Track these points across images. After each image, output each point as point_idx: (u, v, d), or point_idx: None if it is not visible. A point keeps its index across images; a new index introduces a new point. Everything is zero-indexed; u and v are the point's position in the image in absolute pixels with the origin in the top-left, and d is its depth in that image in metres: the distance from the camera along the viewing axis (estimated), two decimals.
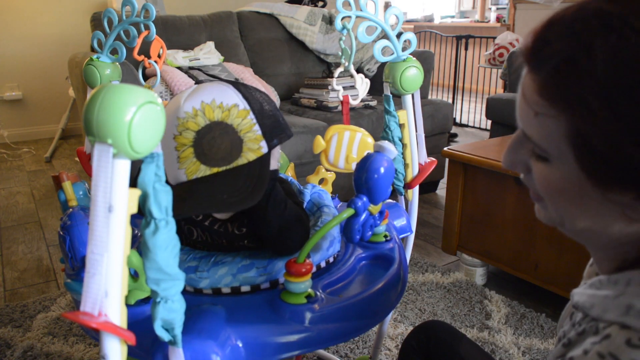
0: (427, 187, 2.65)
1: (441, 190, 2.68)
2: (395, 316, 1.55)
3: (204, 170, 0.69)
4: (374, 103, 2.38)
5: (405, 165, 0.99)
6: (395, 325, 1.51)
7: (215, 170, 0.70)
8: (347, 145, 0.97)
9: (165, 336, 0.54)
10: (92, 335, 0.69)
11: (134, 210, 0.44)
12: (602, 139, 0.40)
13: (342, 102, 1.06)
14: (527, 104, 0.44)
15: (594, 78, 0.39)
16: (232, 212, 0.76)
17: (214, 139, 0.69)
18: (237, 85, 0.74)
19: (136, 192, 0.44)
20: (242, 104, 0.71)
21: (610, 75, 0.38)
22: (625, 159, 0.39)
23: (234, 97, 0.71)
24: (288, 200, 0.77)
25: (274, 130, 0.73)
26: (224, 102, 0.71)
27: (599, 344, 0.41)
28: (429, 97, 2.79)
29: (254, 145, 0.71)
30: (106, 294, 0.43)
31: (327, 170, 1.07)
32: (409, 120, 0.97)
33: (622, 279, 0.44)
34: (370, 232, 0.71)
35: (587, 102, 0.39)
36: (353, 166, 0.96)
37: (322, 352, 1.36)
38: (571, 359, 0.42)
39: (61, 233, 0.76)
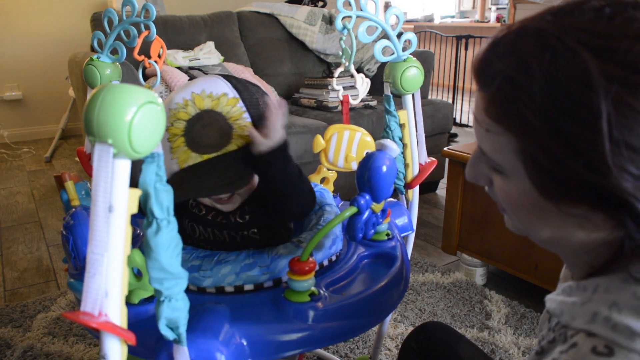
0: (427, 187, 2.65)
1: (441, 190, 2.68)
2: (395, 316, 1.55)
3: (194, 158, 0.71)
4: (374, 103, 2.38)
5: (406, 165, 0.99)
6: (395, 325, 1.51)
7: (205, 157, 0.71)
8: (346, 144, 0.97)
9: (169, 335, 0.54)
10: (94, 335, 0.69)
11: (135, 210, 0.44)
12: (546, 156, 0.40)
13: (342, 102, 1.06)
14: (477, 121, 0.45)
15: (532, 96, 0.39)
16: (228, 193, 0.76)
17: (204, 126, 0.71)
18: (228, 76, 0.76)
19: (136, 192, 0.44)
20: (232, 93, 0.73)
21: (546, 93, 0.38)
22: (570, 175, 0.39)
23: (223, 87, 0.73)
24: (301, 170, 0.78)
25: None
26: (213, 91, 0.73)
27: (566, 353, 0.41)
28: (429, 97, 2.79)
29: (244, 132, 0.72)
30: (106, 294, 0.43)
31: (327, 169, 1.07)
32: (409, 120, 0.97)
33: (589, 286, 0.44)
34: (372, 231, 0.71)
35: (527, 120, 0.40)
36: (352, 165, 0.97)
37: (322, 352, 1.36)
38: None
39: (64, 233, 0.76)
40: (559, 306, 0.46)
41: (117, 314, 0.44)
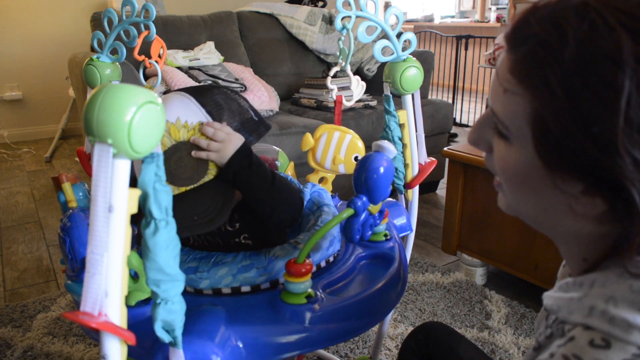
0: (427, 187, 2.65)
1: (441, 190, 2.68)
2: (395, 316, 1.55)
3: (172, 190, 0.70)
4: (374, 103, 2.38)
5: (405, 165, 0.99)
6: (395, 325, 1.51)
7: (183, 189, 0.71)
8: (335, 145, 0.96)
9: (165, 337, 0.54)
10: (92, 336, 0.69)
11: (134, 210, 0.44)
12: (558, 125, 0.41)
13: (335, 102, 1.06)
14: (498, 80, 0.46)
15: (561, 64, 0.40)
16: (207, 230, 0.76)
17: (181, 158, 0.71)
18: (200, 95, 0.74)
19: (136, 192, 0.44)
20: (206, 119, 0.73)
21: (575, 61, 0.39)
22: (576, 148, 0.40)
23: (198, 114, 0.72)
24: (277, 175, 0.77)
25: (241, 134, 0.75)
26: (188, 120, 0.71)
27: (564, 347, 0.41)
28: (429, 97, 2.79)
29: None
30: (106, 294, 0.43)
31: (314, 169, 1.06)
32: (409, 120, 0.97)
33: (586, 281, 0.44)
34: (370, 232, 0.71)
35: (550, 87, 0.40)
36: (340, 168, 0.96)
37: (322, 352, 1.35)
38: None
39: (61, 235, 0.76)
40: (556, 302, 0.46)
41: (117, 314, 0.44)
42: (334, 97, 1.05)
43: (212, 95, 0.75)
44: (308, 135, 0.95)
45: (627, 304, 0.40)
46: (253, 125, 0.77)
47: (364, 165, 0.69)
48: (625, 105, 0.37)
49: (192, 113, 0.72)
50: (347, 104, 1.06)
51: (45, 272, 1.88)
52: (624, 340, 0.39)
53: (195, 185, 0.71)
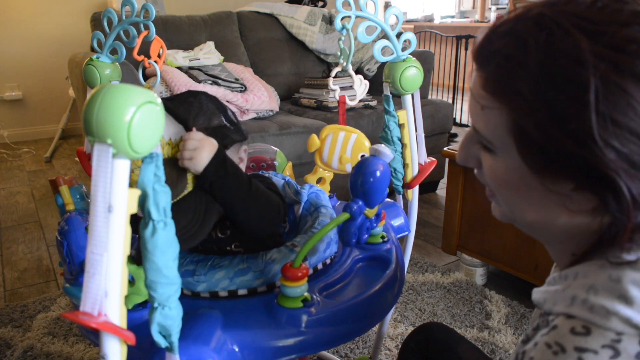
0: (427, 187, 2.65)
1: (441, 190, 2.68)
2: (395, 316, 1.55)
3: None
4: (374, 103, 2.38)
5: (405, 165, 0.99)
6: (395, 325, 1.51)
7: None
8: (341, 145, 0.96)
9: (162, 342, 0.54)
10: (91, 338, 0.68)
11: (134, 210, 0.44)
12: (537, 129, 0.43)
13: (338, 102, 1.06)
14: (474, 98, 0.48)
15: (527, 71, 0.42)
16: (191, 246, 0.76)
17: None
18: (171, 101, 0.74)
19: (136, 192, 0.44)
20: (179, 127, 0.72)
21: (540, 67, 0.41)
22: (558, 148, 0.42)
23: (178, 130, 0.72)
24: (254, 183, 0.76)
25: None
26: (172, 137, 0.71)
27: (547, 335, 0.43)
28: (429, 97, 2.78)
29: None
30: (106, 294, 0.43)
31: (322, 169, 1.06)
32: (409, 120, 0.97)
33: (570, 274, 0.47)
34: (366, 235, 0.71)
35: (522, 95, 0.43)
36: (347, 167, 0.96)
37: (322, 351, 1.35)
38: (524, 353, 0.45)
39: (59, 238, 0.75)
40: (543, 295, 0.48)
41: (116, 314, 0.44)
42: (337, 98, 1.05)
43: (192, 103, 0.75)
44: (314, 136, 0.95)
45: (606, 292, 0.42)
46: (227, 131, 0.77)
47: (360, 170, 0.68)
48: (594, 99, 0.39)
49: (175, 128, 0.72)
50: (351, 103, 1.06)
51: (45, 272, 1.88)
52: (603, 327, 0.40)
53: (176, 199, 0.70)
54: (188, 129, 0.72)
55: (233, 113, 0.82)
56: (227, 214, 0.75)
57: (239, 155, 0.82)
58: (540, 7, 0.44)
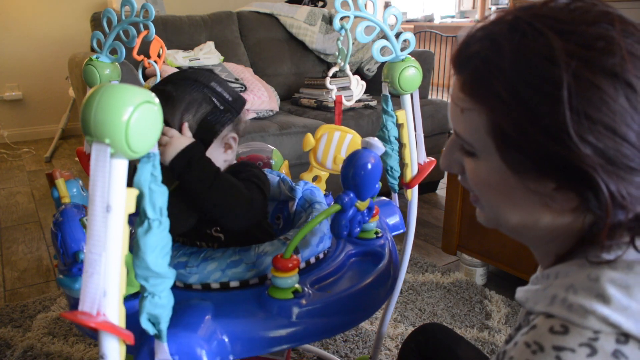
0: (427, 187, 2.65)
1: (441, 190, 2.68)
2: (395, 316, 1.55)
3: None
4: (373, 103, 2.38)
5: (405, 165, 0.99)
6: (395, 325, 1.51)
7: None
8: (336, 145, 0.96)
9: (150, 330, 0.54)
10: (90, 334, 0.69)
11: (132, 209, 0.44)
12: (514, 128, 0.44)
13: (335, 102, 1.06)
14: (454, 102, 0.50)
15: (502, 71, 0.43)
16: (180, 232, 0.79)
17: None
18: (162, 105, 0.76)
19: (134, 192, 0.45)
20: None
21: (514, 67, 0.43)
22: (536, 146, 0.43)
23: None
24: (222, 177, 0.76)
25: (206, 136, 0.78)
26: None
27: (526, 334, 0.44)
28: (429, 97, 2.78)
29: None
30: (104, 294, 0.43)
31: (316, 168, 1.06)
32: (408, 120, 0.97)
33: (552, 273, 0.48)
34: (358, 229, 0.71)
35: (499, 95, 0.44)
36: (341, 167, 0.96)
37: (322, 351, 1.35)
38: (504, 353, 0.45)
39: (53, 229, 0.75)
40: (525, 294, 0.49)
41: (115, 313, 0.44)
42: (334, 98, 1.05)
43: (170, 98, 0.77)
44: (309, 135, 0.95)
45: (584, 292, 0.42)
46: (217, 115, 0.78)
47: (351, 162, 0.69)
48: (567, 95, 0.40)
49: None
50: (347, 103, 1.06)
51: (45, 272, 1.88)
52: (581, 326, 0.41)
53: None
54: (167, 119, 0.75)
55: (224, 81, 0.83)
56: (197, 206, 0.77)
57: (225, 142, 0.82)
58: (516, 11, 0.46)
